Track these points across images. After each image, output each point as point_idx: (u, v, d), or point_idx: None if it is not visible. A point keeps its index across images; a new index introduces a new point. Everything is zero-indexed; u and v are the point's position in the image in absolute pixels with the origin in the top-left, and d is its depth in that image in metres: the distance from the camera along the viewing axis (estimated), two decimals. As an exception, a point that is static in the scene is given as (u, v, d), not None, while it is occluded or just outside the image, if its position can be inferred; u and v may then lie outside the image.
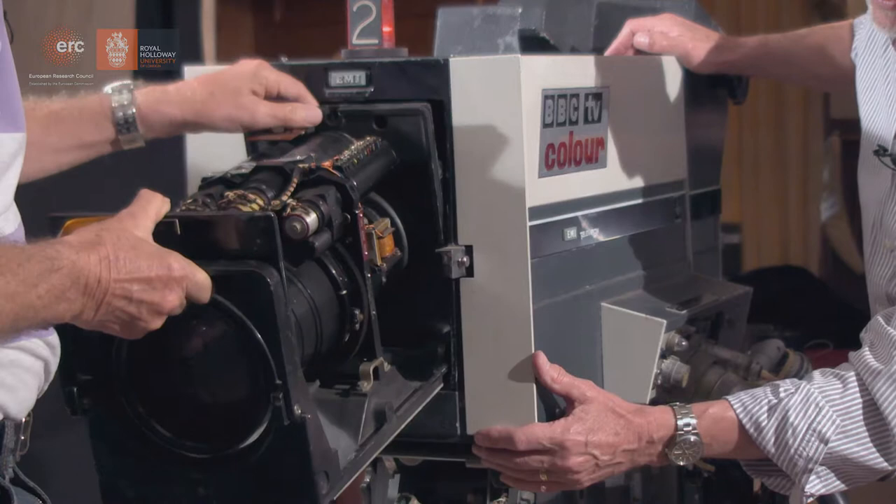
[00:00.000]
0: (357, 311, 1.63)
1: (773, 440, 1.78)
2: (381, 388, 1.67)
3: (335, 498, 1.60)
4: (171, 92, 1.84)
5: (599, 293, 1.93)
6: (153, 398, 1.56)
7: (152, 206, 1.49)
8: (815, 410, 1.76)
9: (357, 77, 1.81)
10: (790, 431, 1.76)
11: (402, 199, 1.74)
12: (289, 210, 1.56)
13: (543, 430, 1.77)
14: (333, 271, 1.62)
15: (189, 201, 1.60)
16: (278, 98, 1.81)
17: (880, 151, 1.83)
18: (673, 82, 2.12)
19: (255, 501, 1.57)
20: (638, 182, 2.03)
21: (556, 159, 1.82)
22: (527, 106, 1.75)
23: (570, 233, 1.86)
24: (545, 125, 1.79)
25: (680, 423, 1.80)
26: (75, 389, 1.55)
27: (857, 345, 1.83)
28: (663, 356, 1.93)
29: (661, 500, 2.16)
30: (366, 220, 1.66)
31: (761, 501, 2.16)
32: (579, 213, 1.88)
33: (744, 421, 1.78)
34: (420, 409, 1.74)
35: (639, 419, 1.81)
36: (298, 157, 1.67)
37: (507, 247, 1.76)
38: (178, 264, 1.44)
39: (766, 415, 1.77)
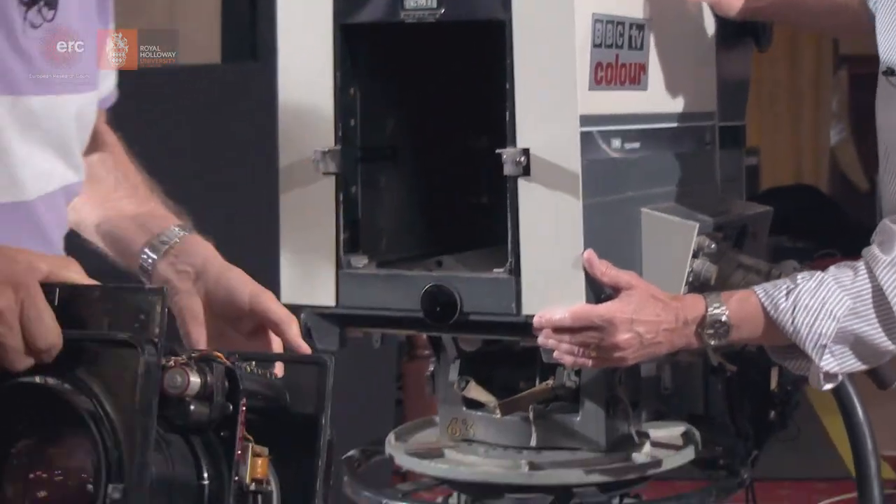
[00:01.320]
0: None
1: (790, 319, 1.99)
2: None
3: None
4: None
5: (639, 200, 2.14)
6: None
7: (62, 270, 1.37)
8: (827, 292, 1.97)
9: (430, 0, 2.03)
10: (805, 311, 1.98)
11: (283, 455, 1.45)
12: (172, 364, 1.35)
13: (594, 308, 2.00)
14: (200, 456, 1.40)
15: None
16: None
17: (888, 72, 2.02)
18: (708, 22, 2.34)
19: None
20: (674, 107, 2.25)
21: (603, 76, 2.04)
22: (579, 26, 1.97)
23: (615, 143, 2.07)
24: (595, 45, 2.01)
25: (710, 306, 2.02)
26: None
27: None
28: (695, 256, 2.13)
29: (688, 391, 2.37)
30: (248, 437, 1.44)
31: (777, 398, 2.35)
32: (623, 127, 2.10)
33: (765, 303, 1.99)
34: None
35: (675, 303, 2.04)
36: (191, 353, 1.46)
37: (561, 149, 1.97)
38: (26, 278, 1.32)
39: (784, 297, 1.98)
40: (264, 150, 2.32)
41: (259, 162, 2.56)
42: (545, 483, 2.25)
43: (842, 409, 2.30)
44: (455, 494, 2.39)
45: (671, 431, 2.40)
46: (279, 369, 1.49)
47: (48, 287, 1.34)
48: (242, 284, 1.70)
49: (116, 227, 1.79)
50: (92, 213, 1.79)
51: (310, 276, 2.15)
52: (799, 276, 2.00)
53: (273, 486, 1.45)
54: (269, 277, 2.04)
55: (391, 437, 2.45)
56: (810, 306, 1.98)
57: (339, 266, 2.14)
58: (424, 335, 2.46)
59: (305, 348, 1.66)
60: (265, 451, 1.44)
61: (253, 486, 1.43)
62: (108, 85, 1.78)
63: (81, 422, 1.30)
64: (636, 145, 2.13)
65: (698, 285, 2.15)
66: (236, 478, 1.41)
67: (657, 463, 2.29)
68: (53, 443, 1.34)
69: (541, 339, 2.03)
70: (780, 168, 6.05)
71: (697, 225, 2.11)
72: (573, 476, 2.25)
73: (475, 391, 2.30)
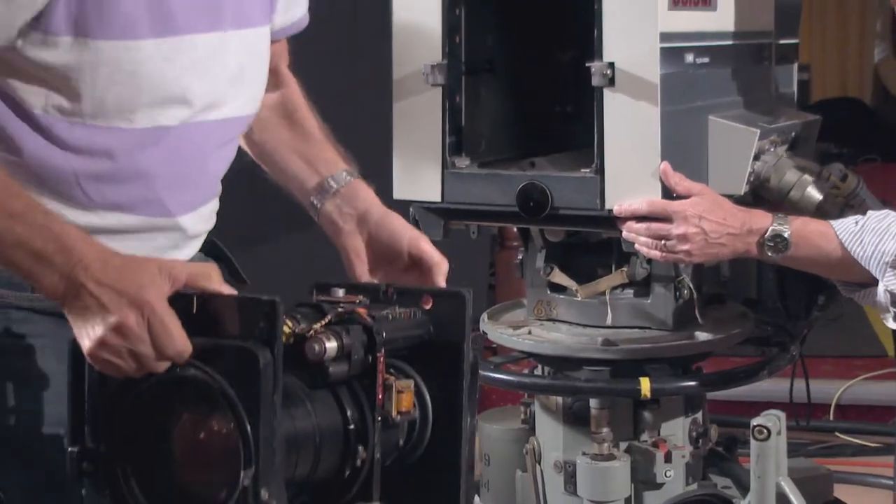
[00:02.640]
0: (361, 448, 1.52)
1: (858, 240, 2.10)
2: None
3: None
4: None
5: (707, 109, 2.33)
6: (142, 472, 1.50)
7: (200, 278, 1.46)
8: (890, 220, 2.10)
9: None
10: (872, 233, 2.09)
11: (432, 376, 1.58)
12: (312, 333, 1.49)
13: (668, 202, 2.18)
14: (345, 405, 1.53)
15: None
16: None
17: None
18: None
19: None
20: (739, 26, 2.43)
21: (680, -1, 2.22)
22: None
23: (689, 58, 2.27)
24: (673, -30, 2.19)
25: (775, 221, 2.16)
26: (77, 452, 1.50)
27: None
28: (755, 158, 2.31)
29: (744, 278, 2.56)
30: (391, 375, 1.55)
31: (825, 283, 2.47)
32: (696, 44, 2.28)
33: (834, 226, 2.13)
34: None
35: (743, 213, 2.19)
36: (341, 305, 1.57)
37: (643, 63, 2.16)
38: (154, 294, 1.42)
39: (853, 223, 2.12)
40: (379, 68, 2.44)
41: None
42: (618, 357, 2.41)
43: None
44: (539, 367, 2.56)
45: (729, 313, 2.56)
46: (428, 302, 1.58)
47: (187, 294, 1.44)
48: (402, 228, 1.82)
49: (291, 164, 1.88)
50: (268, 147, 1.88)
51: (418, 175, 2.34)
52: (869, 212, 2.12)
53: (417, 414, 1.56)
54: (383, 178, 2.22)
55: (484, 316, 2.62)
56: (877, 229, 2.09)
57: (444, 166, 2.33)
58: (515, 228, 2.63)
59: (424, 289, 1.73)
60: (410, 384, 1.55)
61: (398, 418, 1.54)
62: (291, 15, 1.82)
63: (215, 406, 1.42)
64: (706, 60, 2.31)
65: (758, 184, 2.33)
66: (379, 419, 1.51)
67: (716, 341, 2.44)
68: (188, 423, 1.45)
69: (624, 232, 2.21)
70: (828, 82, 6.39)
71: (758, 131, 2.29)
72: (643, 351, 2.41)
73: (559, 276, 2.47)
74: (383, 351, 1.53)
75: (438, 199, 2.34)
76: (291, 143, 1.88)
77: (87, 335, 1.41)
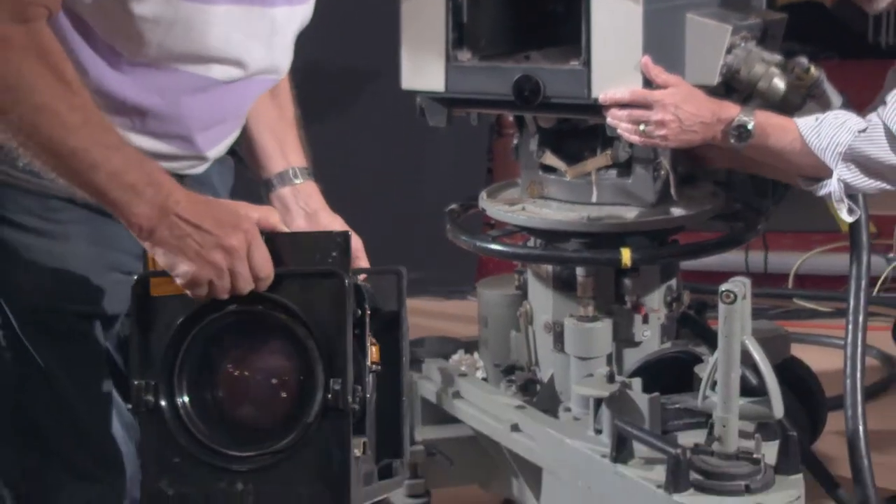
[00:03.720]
0: (358, 388, 1.58)
1: (815, 133, 2.26)
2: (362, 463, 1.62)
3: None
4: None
5: (685, 7, 2.41)
6: (204, 401, 1.55)
7: (270, 217, 1.55)
8: (848, 118, 2.26)
9: None
10: (828, 125, 2.24)
11: (378, 338, 1.69)
12: None
13: (649, 91, 2.31)
14: None
15: None
16: None
17: None
18: None
19: (292, 496, 1.54)
20: (715, -69, 2.51)
21: None
22: None
23: (669, -41, 2.36)
24: None
25: (742, 112, 2.29)
26: (140, 385, 1.55)
27: (855, 56, 2.33)
28: (728, 52, 2.40)
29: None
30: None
31: None
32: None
33: (796, 121, 2.28)
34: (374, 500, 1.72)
35: (714, 104, 2.33)
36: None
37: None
38: (249, 224, 1.50)
39: (812, 119, 2.27)
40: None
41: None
42: (602, 231, 2.51)
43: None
44: (532, 239, 2.67)
45: (702, 191, 2.66)
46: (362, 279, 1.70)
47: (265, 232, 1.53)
48: (331, 222, 1.89)
49: (263, 138, 1.92)
50: (254, 116, 1.90)
51: (424, 68, 2.45)
52: (828, 111, 2.26)
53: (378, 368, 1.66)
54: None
55: (483, 194, 2.72)
56: (834, 123, 2.25)
57: (447, 59, 2.44)
58: (511, 115, 2.73)
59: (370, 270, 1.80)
60: (375, 341, 1.66)
61: (373, 367, 1.65)
62: None
63: (285, 333, 1.50)
64: (684, -39, 2.40)
65: (729, 76, 2.42)
66: (369, 363, 1.61)
67: (690, 216, 2.55)
68: (257, 350, 1.54)
69: (608, 118, 2.34)
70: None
71: (731, 27, 2.39)
72: (624, 225, 2.51)
73: (550, 159, 2.58)
74: (368, 307, 1.62)
75: (442, 89, 2.45)
76: (269, 120, 1.92)
77: (189, 258, 1.46)
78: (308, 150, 1.99)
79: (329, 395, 1.50)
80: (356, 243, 1.78)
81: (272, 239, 1.52)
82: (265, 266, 1.50)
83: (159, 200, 1.47)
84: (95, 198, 1.49)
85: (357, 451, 1.56)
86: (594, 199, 2.57)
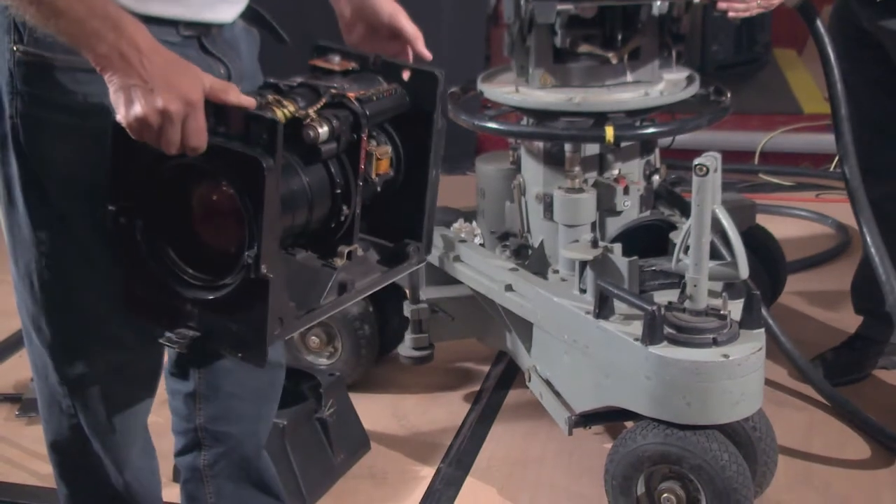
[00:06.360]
0: (345, 207, 1.64)
1: None
2: (351, 267, 1.67)
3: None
4: None
5: None
6: (171, 229, 1.58)
7: (221, 92, 1.47)
8: None
9: None
10: None
11: (408, 136, 1.72)
12: (308, 120, 1.57)
13: None
14: (334, 174, 1.63)
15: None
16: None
17: None
18: None
19: (224, 329, 1.58)
20: None
21: None
22: None
23: None
24: None
25: None
26: (115, 209, 1.57)
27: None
28: None
29: (692, 49, 2.71)
30: (374, 143, 1.67)
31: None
32: None
33: None
34: (380, 287, 1.75)
35: None
36: (334, 85, 1.65)
37: None
38: (196, 94, 1.43)
39: None
40: None
41: None
42: (588, 110, 2.54)
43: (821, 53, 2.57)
44: (525, 118, 2.69)
45: (678, 75, 2.71)
46: (406, 75, 1.68)
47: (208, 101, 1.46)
48: (384, 4, 1.81)
49: None
50: None
51: None
52: None
53: (392, 172, 1.68)
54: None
55: (480, 78, 2.75)
56: None
57: None
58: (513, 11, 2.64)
59: (428, 56, 1.78)
60: (388, 150, 1.67)
61: (377, 179, 1.66)
62: None
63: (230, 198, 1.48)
64: None
65: None
66: (361, 184, 1.62)
67: (668, 97, 2.58)
68: (218, 188, 1.52)
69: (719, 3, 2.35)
70: None
71: None
72: (608, 105, 2.55)
73: (585, 47, 2.55)
74: (366, 132, 1.61)
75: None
76: None
77: (130, 107, 1.43)
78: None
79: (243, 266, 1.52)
80: (415, 31, 1.77)
81: (226, 113, 1.50)
82: (195, 137, 1.46)
83: (119, 45, 1.43)
84: (68, 42, 1.46)
85: (339, 261, 1.64)
86: (629, 79, 2.58)
